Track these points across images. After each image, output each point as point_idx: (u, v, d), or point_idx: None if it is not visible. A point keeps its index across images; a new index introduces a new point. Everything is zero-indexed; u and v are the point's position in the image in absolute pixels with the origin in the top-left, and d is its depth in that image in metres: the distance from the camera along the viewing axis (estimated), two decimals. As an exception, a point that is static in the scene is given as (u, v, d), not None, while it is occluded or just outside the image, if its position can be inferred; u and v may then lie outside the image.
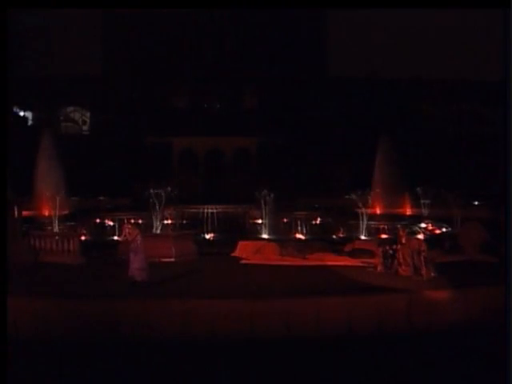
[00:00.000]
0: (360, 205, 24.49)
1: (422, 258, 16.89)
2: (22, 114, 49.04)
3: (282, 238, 23.84)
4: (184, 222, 26.39)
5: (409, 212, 32.13)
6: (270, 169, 40.97)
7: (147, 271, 16.00)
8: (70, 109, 51.18)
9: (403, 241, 17.49)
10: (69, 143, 45.02)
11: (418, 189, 30.53)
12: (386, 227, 24.04)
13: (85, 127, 51.08)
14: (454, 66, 51.06)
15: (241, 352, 12.94)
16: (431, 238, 22.71)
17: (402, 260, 17.20)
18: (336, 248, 21.35)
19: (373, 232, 24.21)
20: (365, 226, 24.44)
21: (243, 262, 19.78)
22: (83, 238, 22.00)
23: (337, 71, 48.42)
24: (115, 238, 23.93)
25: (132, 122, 46.05)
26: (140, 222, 26.09)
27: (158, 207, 24.32)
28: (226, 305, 14.19)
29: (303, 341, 13.42)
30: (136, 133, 43.49)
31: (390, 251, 17.64)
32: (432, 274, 16.67)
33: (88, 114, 51.09)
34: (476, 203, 33.81)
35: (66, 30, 49.77)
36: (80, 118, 51.24)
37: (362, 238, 23.71)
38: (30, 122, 49.77)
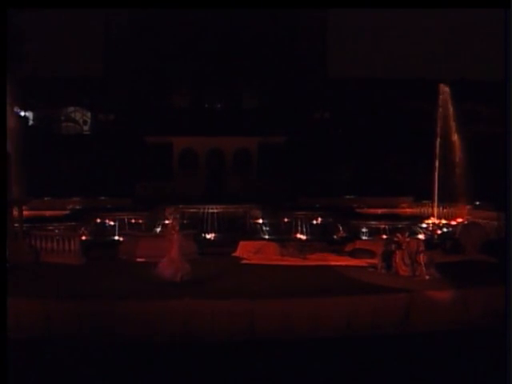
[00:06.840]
0: (360, 205, 24.52)
1: (421, 257, 16.90)
2: (22, 114, 49.03)
3: (283, 237, 23.85)
4: (184, 221, 26.39)
5: (410, 212, 32.10)
6: (271, 168, 40.93)
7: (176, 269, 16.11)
8: (71, 109, 51.18)
9: (403, 245, 17.44)
10: (69, 143, 45.11)
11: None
12: (386, 227, 24.04)
13: (86, 127, 51.09)
14: (454, 65, 51.03)
15: (241, 352, 12.95)
16: (432, 238, 22.73)
17: (399, 261, 17.19)
18: (336, 248, 21.37)
19: (374, 232, 24.21)
20: (366, 226, 24.44)
21: (244, 261, 19.81)
22: (84, 237, 22.00)
23: (337, 71, 48.38)
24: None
25: (132, 121, 46.00)
26: (141, 221, 26.27)
27: (158, 207, 24.30)
28: (226, 305, 14.21)
29: (303, 341, 13.43)
30: (136, 132, 43.41)
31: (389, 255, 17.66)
32: (427, 276, 16.63)
33: (89, 114, 51.09)
34: (477, 203, 33.77)
35: (67, 31, 49.85)
36: (81, 118, 51.26)
37: (363, 238, 23.71)
38: (30, 122, 49.75)
